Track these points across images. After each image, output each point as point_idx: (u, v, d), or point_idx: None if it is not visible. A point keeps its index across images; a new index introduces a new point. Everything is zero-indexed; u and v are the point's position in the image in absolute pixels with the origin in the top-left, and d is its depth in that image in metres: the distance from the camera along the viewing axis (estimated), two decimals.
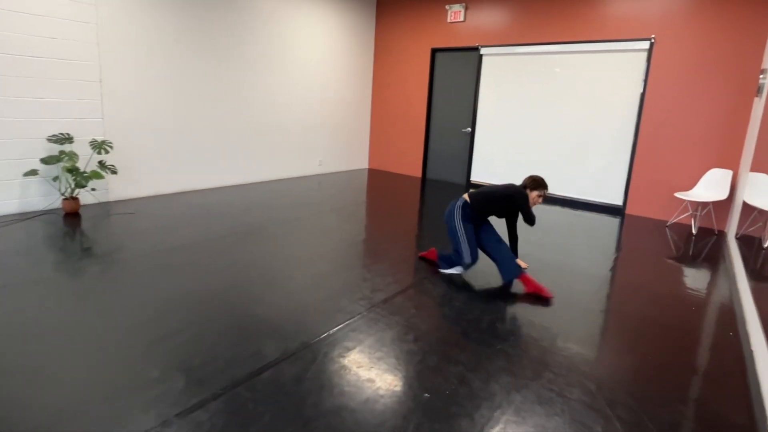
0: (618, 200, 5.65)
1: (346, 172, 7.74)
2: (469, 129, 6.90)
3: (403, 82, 7.56)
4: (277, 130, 6.44)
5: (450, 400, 1.84)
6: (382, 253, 3.63)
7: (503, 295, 2.94)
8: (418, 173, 7.61)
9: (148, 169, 5.01)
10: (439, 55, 7.11)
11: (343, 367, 2.03)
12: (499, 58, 6.41)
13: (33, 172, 3.97)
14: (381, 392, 1.86)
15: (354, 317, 2.50)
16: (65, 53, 4.19)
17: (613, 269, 3.58)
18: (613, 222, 5.21)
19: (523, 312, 2.69)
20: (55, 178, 4.16)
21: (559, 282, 3.19)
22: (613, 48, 5.44)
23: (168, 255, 3.30)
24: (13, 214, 4.04)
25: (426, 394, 1.86)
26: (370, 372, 2.00)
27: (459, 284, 3.07)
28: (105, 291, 2.69)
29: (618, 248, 4.20)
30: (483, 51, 6.52)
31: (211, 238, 3.73)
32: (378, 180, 7.17)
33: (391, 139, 7.92)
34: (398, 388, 1.89)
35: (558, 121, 6.00)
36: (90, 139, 4.34)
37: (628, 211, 5.59)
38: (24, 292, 2.59)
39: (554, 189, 6.14)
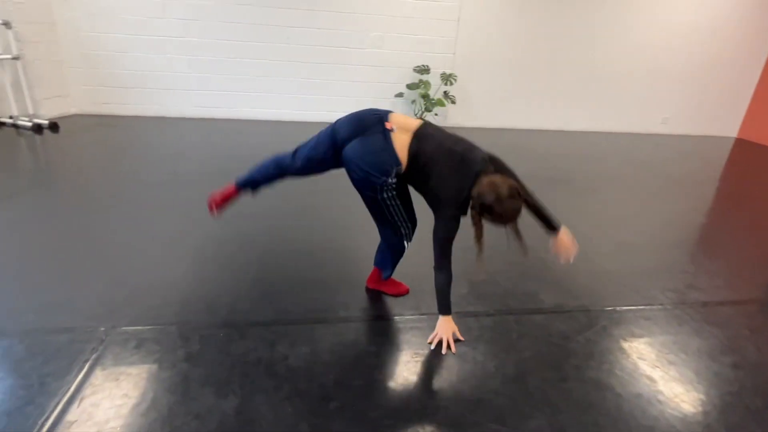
0: None
1: (700, 137, 6.13)
2: None
3: None
4: (618, 77, 5.65)
5: None
6: (721, 247, 2.82)
7: None
8: None
9: (482, 102, 5.49)
10: None
11: (621, 349, 1.80)
12: None
13: (400, 95, 5.08)
14: (660, 397, 1.57)
15: (653, 305, 2.12)
16: None
17: None
18: None
19: None
20: (413, 101, 5.19)
21: None
22: None
23: None
24: None
25: None
26: (654, 371, 1.70)
27: None
28: None
29: None
30: None
31: (526, 177, 3.85)
32: (750, 155, 5.35)
33: None
34: (686, 406, 1.54)
35: None
36: (441, 71, 5.08)
37: None
38: None
39: None
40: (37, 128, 4.19)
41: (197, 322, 1.78)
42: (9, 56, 4.07)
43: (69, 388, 1.42)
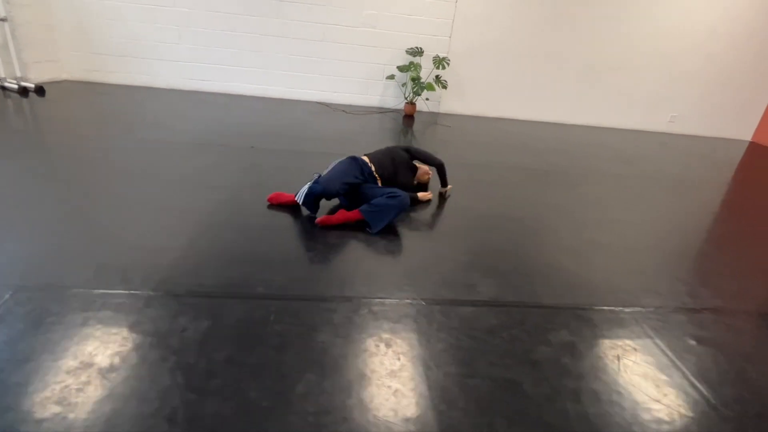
0: None
1: (711, 139, 5.81)
2: None
3: None
4: (625, 72, 5.37)
5: None
6: (705, 256, 2.63)
7: None
8: None
9: (476, 90, 5.29)
10: None
11: (546, 350, 1.67)
12: None
13: (391, 77, 4.92)
14: (576, 400, 1.45)
15: (598, 306, 1.98)
16: None
17: None
18: None
19: None
20: (404, 85, 5.03)
21: None
22: None
23: (466, 171, 3.51)
24: (375, 107, 5.23)
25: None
26: (574, 372, 1.57)
27: None
28: None
29: None
30: None
31: (509, 167, 3.71)
32: (764, 160, 5.03)
33: None
34: (597, 407, 1.42)
35: None
36: (434, 54, 4.89)
37: None
38: None
39: None
40: (23, 91, 4.21)
41: (107, 286, 1.74)
42: None
43: None
